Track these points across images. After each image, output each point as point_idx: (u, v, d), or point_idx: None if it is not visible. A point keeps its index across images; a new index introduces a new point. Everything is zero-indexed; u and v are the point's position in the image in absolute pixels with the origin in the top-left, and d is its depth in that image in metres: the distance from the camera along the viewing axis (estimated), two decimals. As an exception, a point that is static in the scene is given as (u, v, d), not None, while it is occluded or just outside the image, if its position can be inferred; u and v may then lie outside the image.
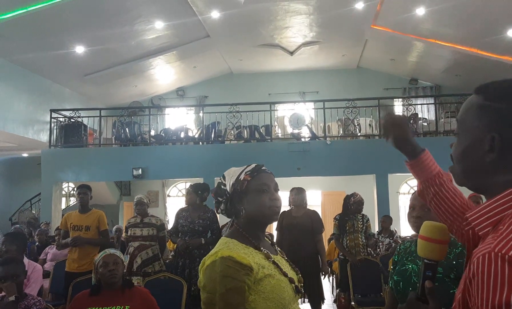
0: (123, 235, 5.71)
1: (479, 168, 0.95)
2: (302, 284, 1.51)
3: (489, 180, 0.93)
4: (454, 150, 1.04)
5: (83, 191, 4.94)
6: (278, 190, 1.54)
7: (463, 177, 1.02)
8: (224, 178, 1.54)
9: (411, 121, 9.99)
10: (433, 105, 10.94)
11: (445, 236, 1.26)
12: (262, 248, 1.45)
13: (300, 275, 1.52)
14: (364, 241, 5.46)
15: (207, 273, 1.35)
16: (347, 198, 5.64)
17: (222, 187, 1.52)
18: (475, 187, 1.00)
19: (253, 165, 1.54)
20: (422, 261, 1.25)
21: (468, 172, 1.00)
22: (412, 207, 2.04)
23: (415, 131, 9.94)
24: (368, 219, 5.63)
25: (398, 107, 12.30)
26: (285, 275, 1.42)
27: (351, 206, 5.52)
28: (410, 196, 2.14)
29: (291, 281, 1.44)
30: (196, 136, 10.71)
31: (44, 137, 10.60)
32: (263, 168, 1.55)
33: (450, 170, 1.08)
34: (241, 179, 1.49)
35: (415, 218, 1.99)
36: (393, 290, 2.04)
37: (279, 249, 1.58)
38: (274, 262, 1.43)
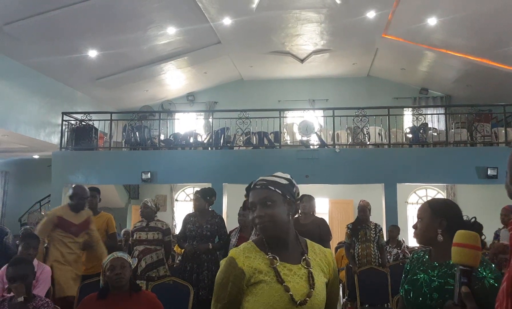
0: (130, 238, 5.73)
1: None
2: (307, 298, 1.50)
3: None
4: None
5: (92, 193, 4.95)
6: (268, 203, 1.56)
7: None
8: (288, 179, 1.68)
9: (421, 131, 9.94)
10: (443, 115, 10.89)
11: (478, 242, 1.30)
12: (269, 254, 1.54)
13: (312, 289, 1.52)
14: (376, 251, 5.42)
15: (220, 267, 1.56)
16: (358, 205, 5.70)
17: (292, 189, 1.68)
18: None
19: (250, 183, 1.65)
20: (457, 268, 1.27)
21: None
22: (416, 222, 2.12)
23: (424, 141, 9.89)
24: (381, 228, 5.59)
25: (408, 117, 12.24)
26: (280, 283, 1.48)
27: (358, 212, 5.58)
28: (418, 206, 2.18)
29: (286, 289, 1.47)
30: (205, 141, 10.75)
31: (55, 139, 10.71)
32: (253, 184, 1.63)
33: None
34: (299, 197, 1.69)
35: (413, 229, 2.07)
36: (403, 299, 2.02)
37: (309, 258, 1.62)
38: (275, 269, 1.51)
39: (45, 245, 4.39)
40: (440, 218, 1.94)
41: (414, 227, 2.04)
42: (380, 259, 5.43)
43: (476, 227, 1.96)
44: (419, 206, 2.13)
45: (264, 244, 1.57)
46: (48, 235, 4.38)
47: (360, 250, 5.41)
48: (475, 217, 1.98)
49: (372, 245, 5.41)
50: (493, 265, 1.78)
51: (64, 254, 4.30)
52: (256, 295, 1.47)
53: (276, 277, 1.50)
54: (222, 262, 1.55)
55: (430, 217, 1.97)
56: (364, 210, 5.55)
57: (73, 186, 4.73)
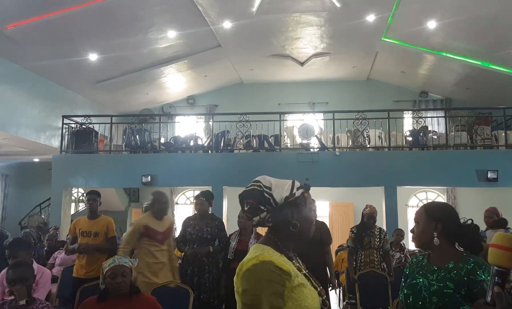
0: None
1: None
2: (327, 300, 1.54)
3: None
4: None
5: (93, 197, 4.95)
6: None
7: None
8: (266, 186, 1.50)
9: (421, 134, 9.94)
10: (443, 118, 10.90)
11: None
12: (293, 261, 1.50)
13: (321, 288, 1.54)
14: (379, 257, 5.30)
15: (249, 276, 1.36)
16: (363, 211, 5.52)
17: (266, 194, 1.48)
18: None
19: (298, 182, 1.57)
20: (492, 268, 1.30)
21: None
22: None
23: (424, 144, 9.89)
24: (386, 233, 5.44)
25: (408, 120, 12.26)
26: (315, 287, 1.48)
27: (364, 219, 5.40)
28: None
29: (320, 294, 1.48)
30: (206, 144, 10.76)
31: (55, 143, 10.73)
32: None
33: None
34: (299, 195, 1.51)
35: (411, 233, 2.09)
36: (403, 303, 2.04)
37: (301, 261, 1.59)
38: (305, 275, 1.48)
39: (133, 255, 4.24)
40: (436, 221, 1.96)
41: (412, 231, 2.06)
42: (382, 265, 5.31)
43: (472, 228, 1.97)
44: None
45: (279, 247, 1.48)
46: (135, 245, 4.28)
47: (363, 257, 5.31)
48: (471, 219, 1.99)
49: (375, 252, 5.30)
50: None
51: (150, 265, 4.20)
52: (296, 300, 1.37)
53: (310, 282, 1.47)
54: (259, 271, 1.35)
55: (426, 221, 1.99)
56: (372, 216, 5.36)
57: (152, 192, 4.55)
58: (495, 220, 5.37)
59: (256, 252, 1.43)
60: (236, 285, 1.40)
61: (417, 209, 2.13)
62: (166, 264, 4.36)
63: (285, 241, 1.51)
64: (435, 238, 1.95)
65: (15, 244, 3.97)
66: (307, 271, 1.55)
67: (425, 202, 11.74)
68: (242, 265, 1.40)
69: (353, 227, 5.50)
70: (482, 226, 5.50)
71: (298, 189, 1.52)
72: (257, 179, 1.53)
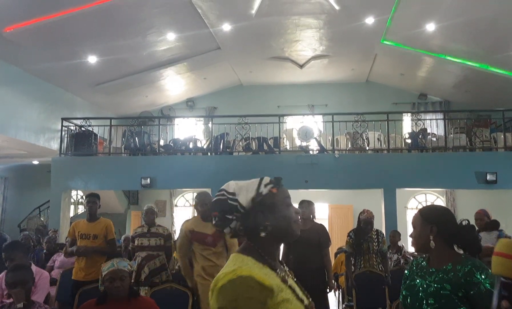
0: (130, 244, 5.72)
1: None
2: None
3: None
4: None
5: (92, 199, 4.95)
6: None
7: None
8: (230, 192, 1.36)
9: (420, 136, 9.96)
10: (442, 120, 10.92)
11: None
12: (278, 270, 1.33)
13: (310, 300, 1.43)
14: (379, 261, 5.28)
15: (225, 293, 1.21)
16: (359, 215, 5.45)
17: (231, 202, 1.34)
18: None
19: (267, 178, 1.41)
20: (497, 279, 1.19)
21: None
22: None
23: (423, 146, 9.90)
24: (383, 235, 5.42)
25: (407, 122, 12.27)
26: (301, 301, 1.33)
27: (361, 224, 5.35)
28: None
29: (306, 308, 1.35)
30: (205, 147, 10.76)
31: (54, 145, 10.72)
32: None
33: None
34: (266, 192, 1.36)
35: (411, 238, 2.08)
36: (402, 304, 2.06)
37: (287, 269, 1.47)
38: (290, 287, 1.32)
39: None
40: (431, 224, 1.97)
41: (411, 236, 2.07)
42: (380, 267, 5.30)
43: (468, 229, 1.98)
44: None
45: (261, 256, 1.33)
46: (189, 250, 4.13)
47: (362, 262, 5.27)
48: (467, 220, 2.00)
49: (375, 257, 5.25)
50: (489, 270, 1.79)
51: (205, 268, 4.01)
52: None
53: (295, 295, 1.32)
54: (237, 287, 1.21)
55: (421, 224, 2.00)
56: (369, 222, 5.29)
57: (196, 194, 4.29)
58: (486, 222, 5.35)
59: (234, 265, 1.28)
60: (211, 302, 1.26)
61: (416, 211, 2.12)
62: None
63: (267, 247, 1.36)
64: (431, 241, 1.96)
65: (11, 247, 3.96)
66: (294, 279, 1.42)
67: (424, 204, 11.75)
68: (217, 280, 1.25)
69: (350, 232, 5.44)
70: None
71: (266, 185, 1.38)
72: (221, 187, 1.40)
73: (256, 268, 1.26)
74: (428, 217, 2.00)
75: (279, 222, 1.36)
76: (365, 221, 5.28)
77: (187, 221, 4.32)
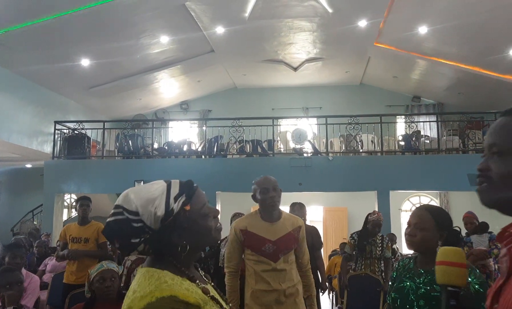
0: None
1: None
2: None
3: None
4: (500, 171, 0.96)
5: (85, 202, 4.95)
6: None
7: (507, 197, 0.95)
8: (131, 211, 1.14)
9: (413, 138, 10.00)
10: (435, 123, 10.97)
11: (464, 259, 1.19)
12: (197, 281, 1.18)
13: (229, 305, 1.32)
14: (381, 268, 5.06)
15: None
16: (367, 216, 5.22)
17: (134, 224, 1.13)
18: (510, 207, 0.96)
19: (175, 185, 1.20)
20: (444, 289, 1.15)
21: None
22: (408, 225, 2.02)
23: (417, 148, 9.94)
24: (388, 240, 5.22)
25: (401, 125, 12.32)
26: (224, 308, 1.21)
27: (368, 225, 5.11)
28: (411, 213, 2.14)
29: None
30: (199, 150, 10.75)
31: (47, 148, 10.66)
32: (195, 184, 1.25)
33: (481, 190, 0.99)
34: (177, 209, 1.16)
35: (409, 236, 1.98)
36: (391, 307, 2.03)
37: (203, 273, 1.33)
38: (212, 298, 1.18)
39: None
40: (443, 230, 1.92)
41: (412, 234, 1.96)
42: (383, 275, 5.08)
43: (456, 235, 1.98)
44: (412, 213, 2.08)
45: (177, 268, 1.17)
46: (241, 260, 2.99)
47: (363, 267, 5.05)
48: (458, 227, 2.00)
49: (377, 262, 5.04)
50: (477, 271, 1.79)
51: (256, 294, 2.80)
52: None
53: (219, 306, 1.19)
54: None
55: (434, 229, 1.93)
56: (378, 224, 5.05)
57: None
58: (476, 225, 5.34)
59: (150, 285, 1.09)
60: None
61: (413, 212, 2.04)
62: (291, 294, 2.72)
63: (184, 258, 1.18)
64: (438, 246, 1.91)
65: (14, 247, 3.93)
66: (212, 284, 1.30)
67: (418, 205, 11.77)
68: (130, 306, 1.06)
69: (353, 233, 5.22)
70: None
71: (176, 199, 1.17)
72: (118, 202, 1.17)
73: (176, 285, 1.10)
74: (442, 224, 1.94)
75: (196, 237, 1.19)
76: (374, 223, 5.04)
77: (240, 217, 3.09)
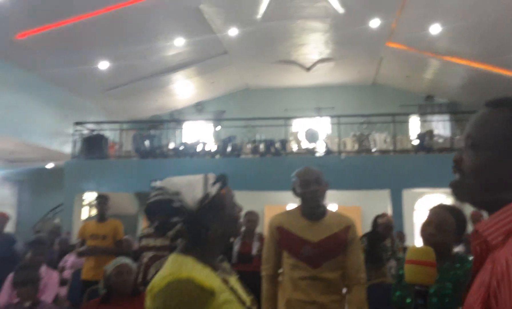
0: (138, 244, 5.84)
1: (497, 183, 0.88)
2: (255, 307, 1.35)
3: (503, 196, 0.87)
4: (472, 164, 0.92)
5: (102, 200, 5.12)
6: None
7: (478, 192, 0.92)
8: (172, 191, 1.26)
9: (427, 137, 9.97)
10: (449, 122, 10.91)
11: (433, 258, 1.21)
12: (219, 271, 1.27)
13: (252, 297, 1.36)
14: (391, 271, 4.64)
15: (162, 297, 1.14)
16: (375, 218, 4.97)
17: (174, 204, 1.24)
18: (486, 202, 0.92)
19: (211, 176, 1.35)
20: (412, 289, 1.16)
21: (485, 187, 0.91)
22: (428, 223, 1.98)
23: (430, 148, 9.92)
24: (398, 244, 5.02)
25: (414, 124, 12.27)
26: (243, 303, 1.26)
27: (378, 228, 4.85)
28: (427, 210, 2.08)
29: None
30: (213, 150, 10.91)
31: (67, 149, 10.95)
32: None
33: (453, 184, 0.96)
34: (215, 193, 1.29)
35: (429, 235, 1.94)
36: (395, 304, 2.04)
37: (230, 267, 1.40)
38: (231, 289, 1.25)
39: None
40: (460, 235, 1.93)
41: (433, 233, 1.91)
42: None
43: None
44: (427, 211, 2.07)
45: (202, 256, 1.26)
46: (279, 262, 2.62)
47: (374, 277, 4.46)
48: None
49: (386, 268, 4.63)
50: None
51: (292, 304, 2.40)
52: None
53: (236, 297, 1.25)
54: (174, 291, 1.14)
55: (455, 234, 1.93)
56: (390, 227, 4.80)
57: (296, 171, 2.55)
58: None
59: (172, 267, 1.21)
60: (147, 304, 1.19)
61: (436, 211, 2.00)
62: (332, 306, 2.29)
63: (210, 247, 1.29)
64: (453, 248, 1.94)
65: (36, 244, 4.07)
66: (237, 277, 1.37)
67: (432, 205, 11.68)
68: (153, 284, 1.18)
69: (362, 237, 4.80)
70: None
71: (213, 184, 1.31)
72: (160, 184, 1.29)
73: (196, 270, 1.20)
74: (463, 229, 1.94)
75: (226, 223, 1.31)
76: (385, 226, 4.76)
77: (278, 213, 2.57)
